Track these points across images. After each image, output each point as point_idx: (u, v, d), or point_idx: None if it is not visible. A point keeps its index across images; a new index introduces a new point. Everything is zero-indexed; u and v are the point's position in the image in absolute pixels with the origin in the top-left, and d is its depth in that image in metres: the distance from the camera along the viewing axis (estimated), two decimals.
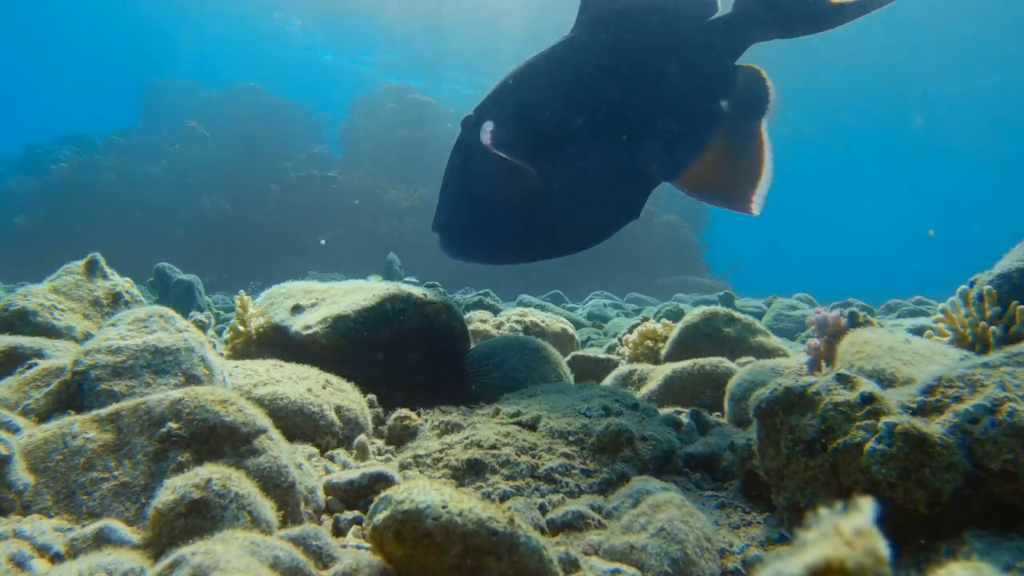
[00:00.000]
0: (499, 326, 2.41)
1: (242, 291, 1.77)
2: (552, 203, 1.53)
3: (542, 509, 0.98)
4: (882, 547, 0.31)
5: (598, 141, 1.52)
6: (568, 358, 2.02)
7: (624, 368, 1.90)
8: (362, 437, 1.22)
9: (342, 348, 1.50)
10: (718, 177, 1.57)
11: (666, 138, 1.55)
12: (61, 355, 1.31)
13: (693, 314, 2.09)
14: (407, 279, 5.44)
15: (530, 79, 1.53)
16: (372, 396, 1.42)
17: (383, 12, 16.78)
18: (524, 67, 1.55)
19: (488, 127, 1.46)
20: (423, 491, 0.66)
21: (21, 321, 1.62)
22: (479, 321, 2.49)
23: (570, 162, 1.51)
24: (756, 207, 1.55)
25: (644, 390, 1.72)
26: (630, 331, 2.31)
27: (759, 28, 1.62)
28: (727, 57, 1.62)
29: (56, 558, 0.71)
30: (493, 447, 1.11)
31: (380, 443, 1.29)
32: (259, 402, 1.14)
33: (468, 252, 1.67)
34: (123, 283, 1.93)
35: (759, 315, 4.72)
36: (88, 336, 1.65)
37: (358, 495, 0.99)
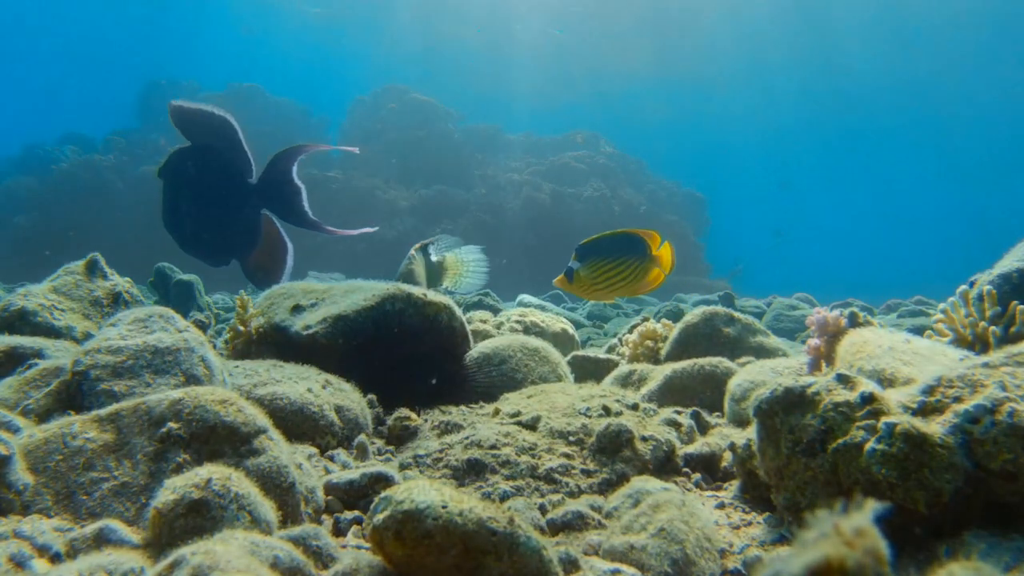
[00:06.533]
0: (499, 326, 2.41)
1: (242, 291, 1.77)
2: (187, 223, 2.69)
3: (542, 509, 0.98)
4: (882, 547, 0.31)
5: (195, 204, 2.64)
6: (568, 358, 2.02)
7: (624, 368, 1.90)
8: (362, 437, 1.22)
9: (342, 348, 1.50)
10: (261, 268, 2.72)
11: (213, 228, 2.65)
12: (61, 355, 1.31)
13: (693, 314, 2.09)
14: None
15: (185, 155, 2.56)
16: (372, 396, 1.42)
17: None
18: (187, 148, 2.57)
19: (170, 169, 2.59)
20: (423, 491, 0.66)
21: (21, 321, 1.62)
22: (479, 321, 2.49)
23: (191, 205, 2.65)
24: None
25: (644, 390, 1.72)
26: (630, 331, 2.31)
27: (265, 205, 2.64)
28: (248, 209, 2.64)
29: (56, 558, 0.71)
30: (493, 447, 1.11)
31: (380, 443, 1.29)
32: (259, 402, 1.14)
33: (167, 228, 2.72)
34: (123, 283, 1.93)
35: (759, 315, 4.72)
36: (88, 336, 1.65)
37: (358, 495, 0.99)
